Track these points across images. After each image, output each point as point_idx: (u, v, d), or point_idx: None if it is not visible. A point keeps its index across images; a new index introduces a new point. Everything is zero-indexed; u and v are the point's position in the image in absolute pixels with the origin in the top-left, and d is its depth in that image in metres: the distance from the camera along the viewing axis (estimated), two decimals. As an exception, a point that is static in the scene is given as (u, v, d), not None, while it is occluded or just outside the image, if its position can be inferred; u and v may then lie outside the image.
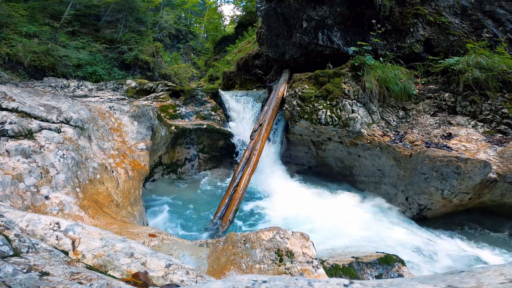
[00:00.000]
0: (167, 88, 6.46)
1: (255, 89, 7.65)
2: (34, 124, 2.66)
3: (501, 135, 3.93)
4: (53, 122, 2.85)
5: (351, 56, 5.27)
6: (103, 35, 12.96)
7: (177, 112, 5.72)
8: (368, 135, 4.55)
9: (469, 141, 3.95)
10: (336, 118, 4.65)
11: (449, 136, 4.10)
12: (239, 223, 3.92)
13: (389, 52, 5.21)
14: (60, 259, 1.15)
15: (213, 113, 5.96)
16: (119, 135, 3.79)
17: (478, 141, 3.92)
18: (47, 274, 0.96)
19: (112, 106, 4.17)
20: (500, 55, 4.40)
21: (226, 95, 6.45)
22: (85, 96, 6.17)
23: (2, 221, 1.18)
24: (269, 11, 6.53)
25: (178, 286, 1.21)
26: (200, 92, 6.25)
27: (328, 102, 4.79)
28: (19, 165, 2.34)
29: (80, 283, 0.95)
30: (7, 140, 2.43)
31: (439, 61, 4.87)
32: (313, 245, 1.93)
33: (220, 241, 2.06)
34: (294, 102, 5.04)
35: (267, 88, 6.61)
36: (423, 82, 4.97)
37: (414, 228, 3.90)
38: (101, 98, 5.89)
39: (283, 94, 5.66)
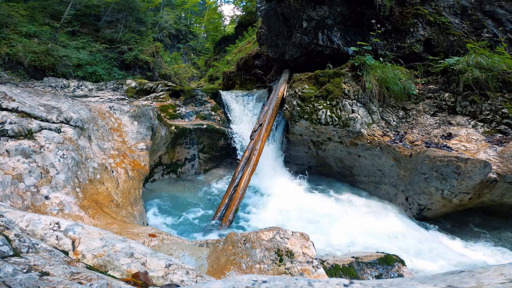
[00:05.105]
0: (167, 88, 6.46)
1: (255, 89, 7.65)
2: (34, 124, 2.66)
3: (501, 135, 3.93)
4: (53, 122, 2.85)
5: (351, 56, 5.27)
6: (103, 35, 12.96)
7: (177, 112, 5.72)
8: (368, 135, 4.55)
9: (469, 141, 3.95)
10: (336, 118, 4.65)
11: (449, 136, 4.10)
12: (239, 223, 3.92)
13: (389, 52, 5.21)
14: (60, 259, 1.15)
15: (213, 113, 5.96)
16: (119, 135, 3.79)
17: (478, 141, 3.92)
18: (47, 274, 0.96)
19: (112, 106, 4.17)
20: (500, 55, 4.40)
21: (226, 95, 6.45)
22: (85, 96, 6.17)
23: (2, 221, 1.18)
24: (269, 11, 6.53)
25: (178, 286, 1.21)
26: (200, 92, 6.25)
27: (328, 102, 4.79)
28: (19, 165, 2.34)
29: (80, 283, 0.95)
30: (7, 140, 2.43)
31: (439, 61, 4.87)
32: (313, 245, 1.93)
33: (220, 241, 2.06)
34: (294, 102, 5.04)
35: (267, 88, 6.60)
36: (423, 82, 4.97)
37: (414, 227, 3.90)
38: (101, 98, 5.90)
39: (283, 94, 5.66)
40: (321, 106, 4.78)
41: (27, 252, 1.11)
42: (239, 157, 5.32)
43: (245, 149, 4.89)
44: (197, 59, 23.37)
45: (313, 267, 1.78)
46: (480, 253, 3.39)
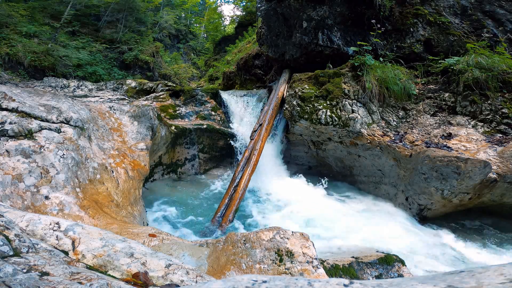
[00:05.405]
0: (167, 88, 6.46)
1: (255, 89, 7.65)
2: (34, 124, 2.66)
3: (501, 135, 3.93)
4: (53, 122, 2.85)
5: (351, 56, 5.27)
6: (103, 35, 12.96)
7: (177, 112, 5.72)
8: (368, 135, 4.55)
9: (469, 141, 3.95)
10: (336, 118, 4.65)
11: (449, 136, 4.10)
12: (239, 223, 3.92)
13: (389, 52, 5.20)
14: (60, 259, 1.15)
15: (213, 113, 5.96)
16: (119, 135, 3.79)
17: (478, 141, 3.92)
18: (47, 274, 0.96)
19: (112, 106, 4.17)
20: (500, 55, 4.40)
21: (226, 95, 6.45)
22: (85, 96, 6.17)
23: (2, 221, 1.18)
24: (269, 11, 6.53)
25: (178, 286, 1.21)
26: (200, 92, 6.25)
27: (328, 102, 4.79)
28: (19, 165, 2.33)
29: (80, 283, 0.95)
30: (7, 140, 2.43)
31: (439, 61, 4.87)
32: (313, 245, 1.93)
33: (220, 241, 2.06)
34: (294, 102, 5.04)
35: (267, 88, 6.60)
36: (423, 82, 4.96)
37: (414, 228, 3.89)
38: (101, 98, 5.90)
39: (283, 94, 5.66)
40: (321, 106, 4.78)
41: (27, 252, 1.10)
42: (239, 157, 5.32)
43: (245, 149, 4.89)
44: (197, 59, 23.38)
45: (313, 267, 1.78)
46: (480, 253, 3.39)
